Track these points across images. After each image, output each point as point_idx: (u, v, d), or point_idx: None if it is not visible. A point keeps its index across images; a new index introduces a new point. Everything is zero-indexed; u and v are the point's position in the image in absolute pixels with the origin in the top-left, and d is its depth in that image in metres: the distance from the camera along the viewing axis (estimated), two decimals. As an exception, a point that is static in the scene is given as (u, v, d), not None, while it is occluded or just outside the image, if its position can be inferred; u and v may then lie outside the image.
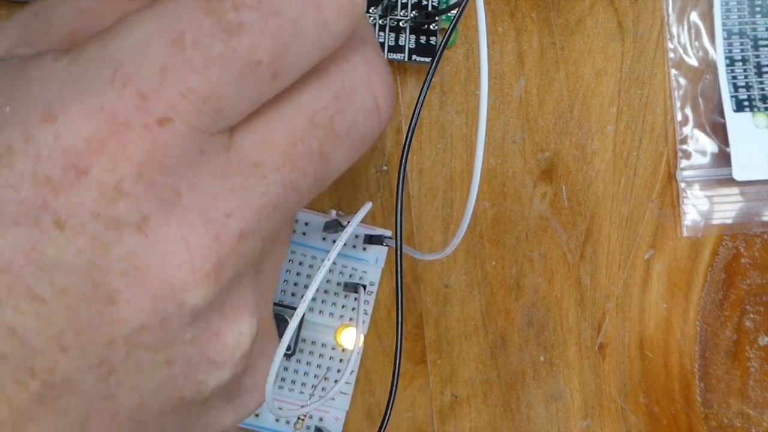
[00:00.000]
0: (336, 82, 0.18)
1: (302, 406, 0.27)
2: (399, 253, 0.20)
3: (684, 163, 0.32)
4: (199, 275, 0.16)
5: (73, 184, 0.15)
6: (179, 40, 0.15)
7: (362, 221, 0.29)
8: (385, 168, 0.30)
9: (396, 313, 0.22)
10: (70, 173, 0.15)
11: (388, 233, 0.29)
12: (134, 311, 0.16)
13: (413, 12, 0.29)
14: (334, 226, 0.26)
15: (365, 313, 0.29)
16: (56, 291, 0.15)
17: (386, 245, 0.28)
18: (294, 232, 0.28)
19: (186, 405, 0.18)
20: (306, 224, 0.28)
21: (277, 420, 0.29)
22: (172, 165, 0.16)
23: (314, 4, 0.16)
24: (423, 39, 0.29)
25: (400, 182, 0.20)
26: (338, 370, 0.29)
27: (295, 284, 0.29)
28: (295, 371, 0.29)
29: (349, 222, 0.20)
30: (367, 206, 0.20)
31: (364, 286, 0.28)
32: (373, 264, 0.29)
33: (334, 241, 0.28)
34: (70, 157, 0.15)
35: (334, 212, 0.29)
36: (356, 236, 0.28)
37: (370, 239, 0.28)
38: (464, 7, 0.20)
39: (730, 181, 0.32)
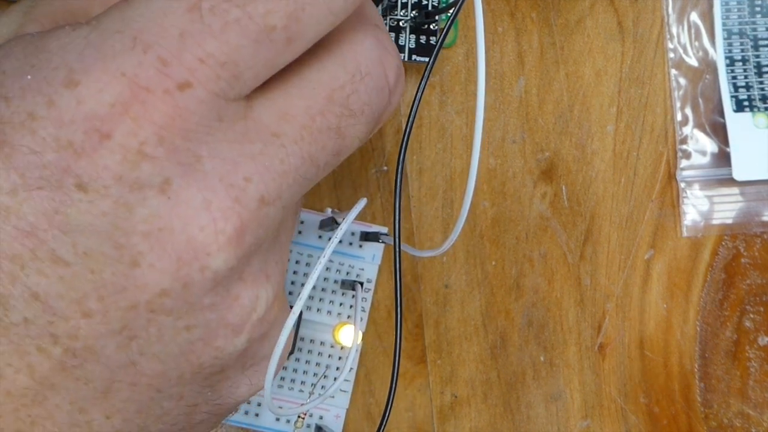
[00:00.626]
0: (352, 63, 0.18)
1: (302, 405, 0.27)
2: (397, 251, 0.20)
3: (684, 163, 0.32)
4: (221, 239, 0.16)
5: (96, 148, 0.15)
6: (196, 6, 0.16)
7: (361, 219, 0.29)
8: (385, 168, 0.30)
9: (395, 312, 0.22)
10: (93, 137, 0.15)
11: (384, 230, 0.29)
12: (157, 275, 0.16)
13: (413, 12, 0.29)
14: (330, 224, 0.26)
15: (363, 311, 0.29)
16: (79, 254, 0.16)
17: (382, 242, 0.28)
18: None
19: (204, 373, 0.18)
20: (302, 222, 0.28)
21: (277, 419, 0.29)
22: (192, 130, 0.16)
23: None
24: (423, 39, 0.29)
25: (399, 179, 0.20)
26: (337, 368, 0.29)
27: (292, 282, 0.29)
28: (294, 370, 0.29)
29: (344, 219, 0.20)
30: (362, 203, 0.20)
31: (362, 284, 0.28)
32: (369, 261, 0.29)
33: (330, 239, 0.28)
34: (93, 121, 0.15)
35: (329, 210, 0.29)
36: (352, 233, 0.29)
37: (366, 236, 0.28)
38: (461, 5, 0.20)
39: (730, 181, 0.32)
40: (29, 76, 0.16)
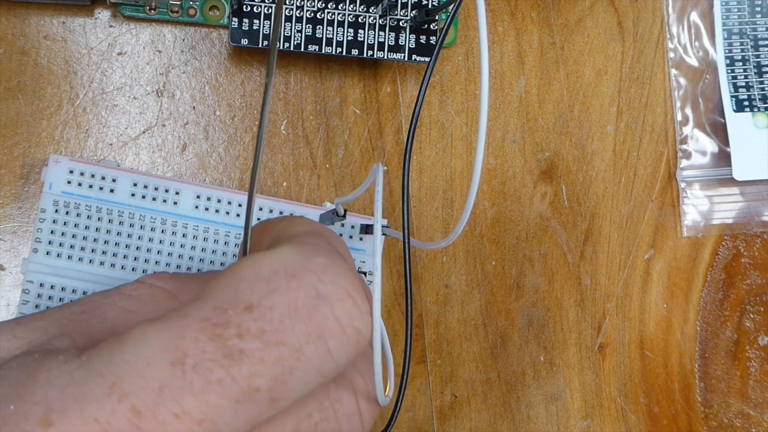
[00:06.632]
0: (321, 392, 0.18)
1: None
2: (407, 248, 0.20)
3: (684, 163, 0.32)
4: None
5: None
6: (180, 361, 0.16)
7: (360, 213, 0.29)
8: (384, 168, 0.30)
9: (406, 311, 0.22)
10: None
11: (384, 222, 0.28)
12: None
13: (413, 11, 0.29)
14: (330, 218, 0.26)
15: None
16: None
17: (383, 234, 0.28)
18: None
19: None
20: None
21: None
22: None
23: (318, 334, 0.17)
24: (423, 38, 0.29)
25: (406, 176, 0.20)
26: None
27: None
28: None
29: (346, 210, 0.20)
30: (379, 170, 0.20)
31: (365, 274, 0.28)
32: (370, 254, 0.29)
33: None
34: None
35: (327, 203, 0.29)
36: (352, 227, 0.28)
37: (367, 229, 0.28)
38: (461, 1, 0.20)
39: (730, 181, 0.33)
40: (12, 407, 0.16)
